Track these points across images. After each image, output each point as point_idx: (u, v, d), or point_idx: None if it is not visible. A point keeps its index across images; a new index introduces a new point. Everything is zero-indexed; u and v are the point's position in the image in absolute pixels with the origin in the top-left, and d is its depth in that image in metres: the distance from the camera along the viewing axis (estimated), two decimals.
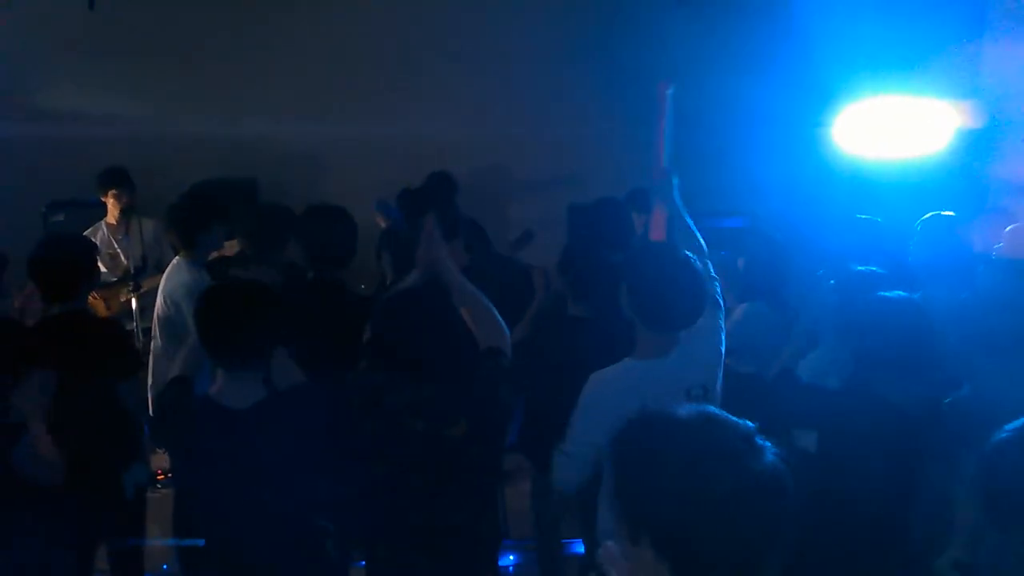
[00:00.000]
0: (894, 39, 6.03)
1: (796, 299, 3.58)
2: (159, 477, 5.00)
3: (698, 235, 3.21)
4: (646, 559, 1.47)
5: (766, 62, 6.40)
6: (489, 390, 2.75)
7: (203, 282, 4.36)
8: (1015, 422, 1.98)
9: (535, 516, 4.05)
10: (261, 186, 6.80)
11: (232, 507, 2.72)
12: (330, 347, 3.33)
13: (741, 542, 1.44)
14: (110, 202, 5.85)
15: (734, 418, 1.55)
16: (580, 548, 4.11)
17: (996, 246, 4.35)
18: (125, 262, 5.74)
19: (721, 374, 3.01)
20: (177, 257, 4.49)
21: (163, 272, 4.65)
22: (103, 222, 5.87)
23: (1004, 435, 1.98)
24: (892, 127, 6.21)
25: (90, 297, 4.33)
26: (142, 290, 5.31)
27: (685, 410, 1.55)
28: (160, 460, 4.85)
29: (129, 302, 5.34)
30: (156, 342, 4.50)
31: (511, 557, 4.54)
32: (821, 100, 6.28)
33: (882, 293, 2.98)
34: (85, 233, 5.43)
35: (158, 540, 2.83)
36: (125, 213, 5.83)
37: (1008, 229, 4.38)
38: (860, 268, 3.52)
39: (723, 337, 3.03)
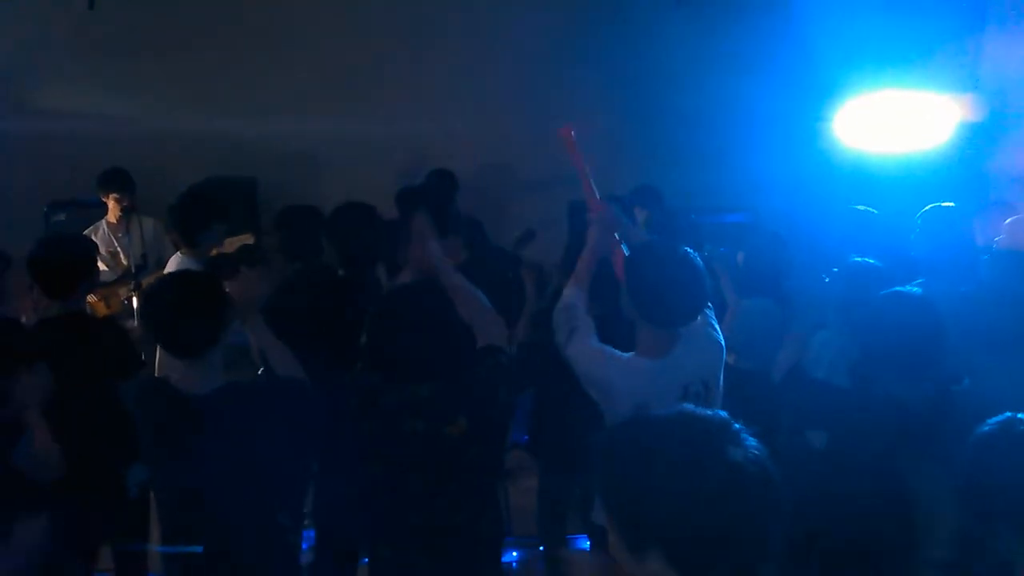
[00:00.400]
0: (895, 33, 6.02)
1: (796, 293, 3.57)
2: None
3: (645, 235, 3.22)
4: (653, 570, 1.47)
5: (766, 58, 6.40)
6: (488, 388, 2.75)
7: None
8: (999, 416, 1.96)
9: (540, 514, 4.04)
10: (261, 185, 6.81)
11: (191, 493, 2.77)
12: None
13: (736, 532, 1.43)
14: (111, 203, 5.86)
15: (708, 411, 1.55)
16: (586, 544, 4.11)
17: (997, 239, 4.35)
18: (125, 261, 5.74)
19: (722, 370, 3.01)
20: (178, 254, 4.50)
21: (163, 270, 4.65)
22: (103, 221, 5.87)
23: (988, 428, 1.96)
24: (893, 121, 6.21)
25: (90, 296, 4.33)
26: (142, 288, 5.31)
27: (659, 413, 1.56)
28: None
29: (129, 301, 5.34)
30: None
31: (514, 554, 4.55)
32: (822, 95, 6.27)
33: (892, 289, 2.97)
34: (85, 232, 5.43)
35: (153, 546, 2.83)
36: (125, 213, 5.84)
37: (1008, 222, 4.37)
38: (857, 260, 3.52)
39: (720, 332, 3.03)
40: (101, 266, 4.84)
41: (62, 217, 6.32)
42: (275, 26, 6.83)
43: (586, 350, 2.88)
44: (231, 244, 5.01)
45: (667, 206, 5.38)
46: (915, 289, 2.96)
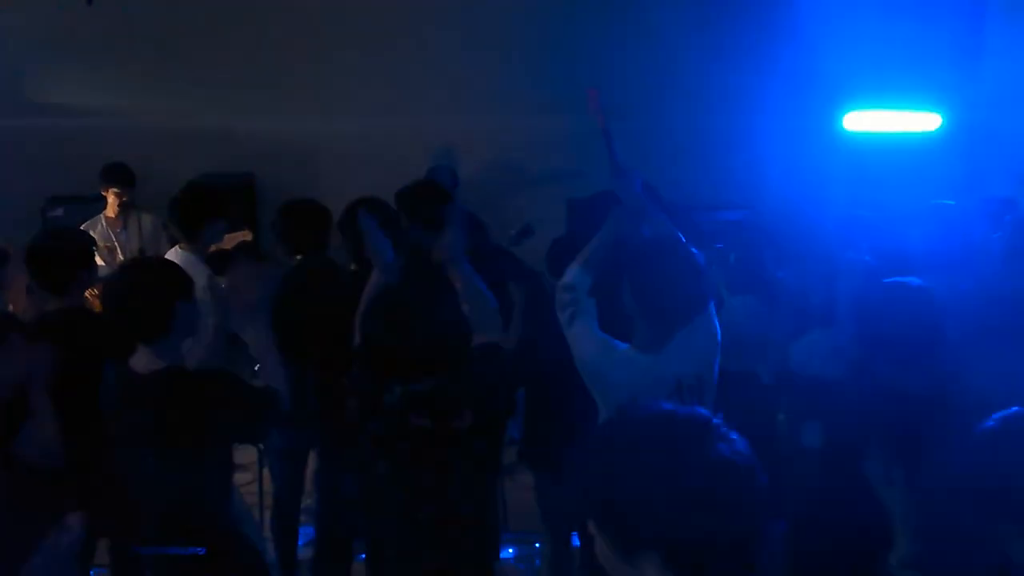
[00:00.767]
0: (896, 29, 6.02)
1: (783, 292, 3.57)
2: None
3: (672, 227, 3.19)
4: (647, 574, 1.46)
5: (767, 55, 6.40)
6: (490, 381, 2.76)
7: (203, 275, 4.37)
8: (1002, 411, 1.94)
9: (542, 515, 4.02)
10: (259, 181, 6.81)
11: (131, 470, 2.86)
12: None
13: (727, 530, 1.42)
14: (110, 198, 5.86)
15: (688, 408, 1.55)
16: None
17: (996, 236, 4.34)
18: (122, 256, 5.73)
19: (717, 364, 3.01)
20: (176, 249, 4.50)
21: None
22: (102, 216, 5.87)
23: (991, 424, 1.94)
24: (893, 119, 6.21)
25: (87, 292, 4.33)
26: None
27: (640, 413, 1.55)
28: None
29: None
30: None
31: (511, 550, 4.55)
32: (823, 92, 6.27)
33: (892, 279, 2.97)
34: (83, 227, 5.44)
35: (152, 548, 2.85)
36: (124, 207, 5.85)
37: (1008, 219, 4.36)
38: (850, 256, 3.53)
39: (718, 327, 3.03)
40: (98, 261, 4.83)
41: (60, 212, 6.34)
42: (274, 22, 6.83)
43: (586, 336, 2.89)
44: (230, 240, 5.01)
45: (665, 203, 5.36)
46: (915, 280, 2.96)
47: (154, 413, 2.77)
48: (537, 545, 4.17)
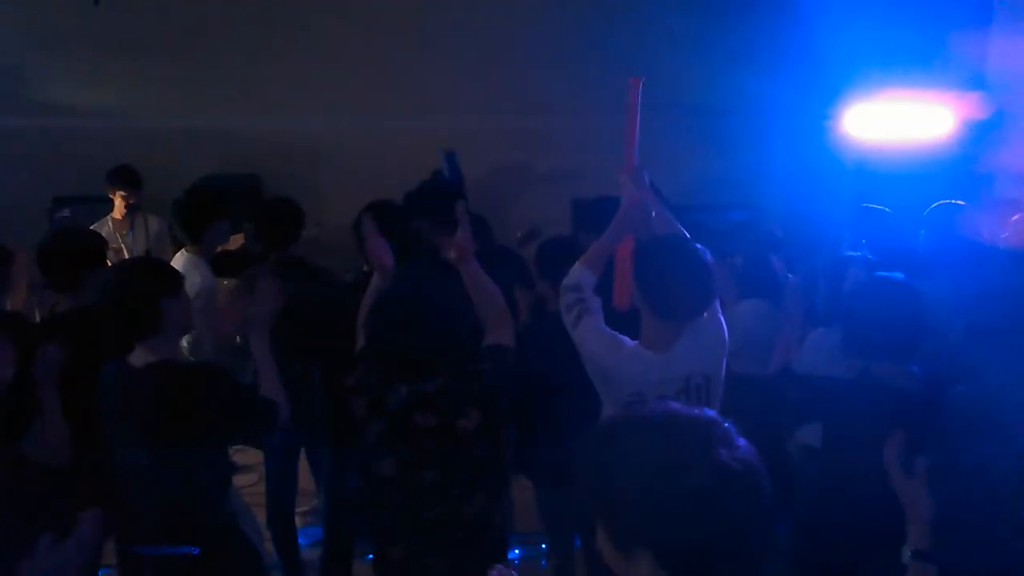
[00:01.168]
0: (900, 29, 6.01)
1: (788, 292, 3.57)
2: None
3: (679, 226, 3.19)
4: (642, 572, 1.46)
5: (772, 54, 6.40)
6: (495, 381, 2.75)
7: (208, 277, 4.38)
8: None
9: (543, 520, 4.02)
10: (265, 182, 6.82)
11: (129, 465, 2.88)
12: None
13: (728, 533, 1.41)
14: (117, 200, 5.88)
15: (696, 410, 1.53)
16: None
17: (1002, 236, 4.34)
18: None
19: (724, 363, 3.01)
20: (182, 252, 4.50)
21: None
22: (108, 217, 5.89)
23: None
24: (898, 118, 6.20)
25: None
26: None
27: (646, 411, 1.54)
28: None
29: None
30: None
31: (516, 551, 4.54)
32: (827, 91, 6.26)
33: (875, 274, 2.98)
34: (91, 228, 5.45)
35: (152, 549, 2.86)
36: (131, 209, 5.87)
37: (1014, 219, 4.36)
38: (850, 253, 3.53)
39: (724, 326, 3.03)
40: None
41: (66, 213, 6.35)
42: (279, 23, 6.84)
43: (595, 334, 2.88)
44: (235, 242, 5.02)
45: (670, 204, 5.36)
46: (898, 275, 2.97)
47: (148, 406, 2.79)
48: (543, 547, 4.17)
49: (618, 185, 3.22)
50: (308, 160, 7.05)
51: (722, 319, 3.03)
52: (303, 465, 4.46)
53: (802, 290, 3.41)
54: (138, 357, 2.88)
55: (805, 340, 3.44)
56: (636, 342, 2.89)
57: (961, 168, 6.06)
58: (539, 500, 3.92)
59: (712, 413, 1.52)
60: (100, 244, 3.89)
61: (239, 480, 3.47)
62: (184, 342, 3.62)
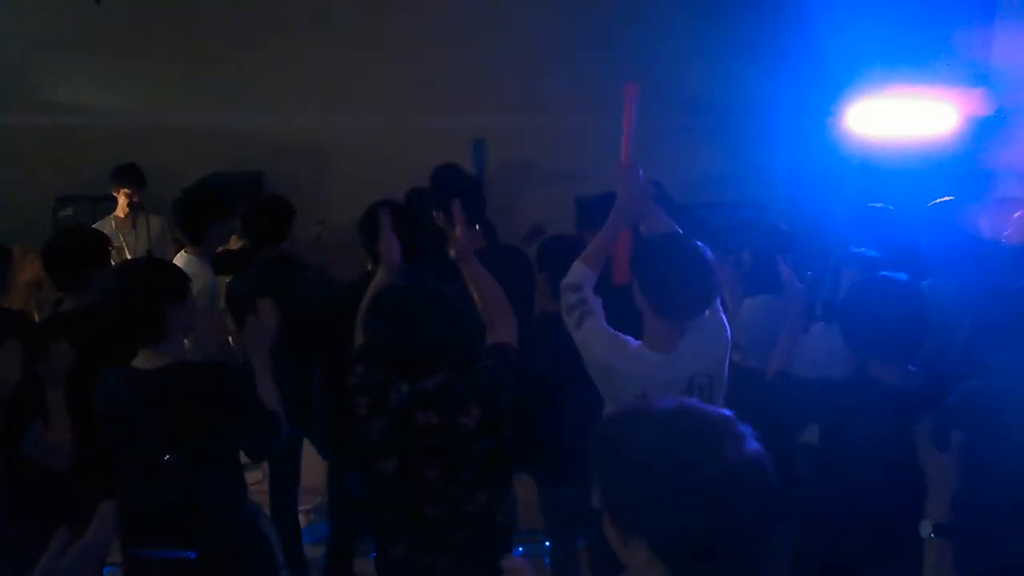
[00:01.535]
0: (904, 26, 6.01)
1: (791, 289, 3.56)
2: None
3: (675, 226, 3.18)
4: (639, 560, 1.47)
5: (775, 51, 6.39)
6: (496, 378, 2.75)
7: (210, 277, 4.38)
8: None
9: (546, 517, 4.02)
10: (268, 180, 6.82)
11: (140, 468, 2.85)
12: None
13: (730, 532, 1.41)
14: (120, 198, 5.89)
15: (710, 407, 1.53)
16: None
17: (1005, 234, 4.34)
18: (129, 258, 5.75)
19: (727, 362, 3.01)
20: (183, 252, 4.50)
21: None
22: (111, 217, 5.90)
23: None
24: (901, 115, 6.20)
25: None
26: None
27: (660, 404, 1.54)
28: None
29: None
30: None
31: (519, 548, 4.54)
32: (830, 88, 6.26)
33: (875, 274, 2.98)
34: (93, 227, 5.45)
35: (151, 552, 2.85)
36: (133, 209, 5.88)
37: (1016, 216, 4.36)
38: (854, 251, 3.52)
39: (727, 325, 3.03)
40: None
41: (70, 212, 6.36)
42: (282, 20, 6.84)
43: (598, 335, 2.88)
44: (236, 242, 5.02)
45: (673, 201, 5.36)
46: (899, 274, 2.96)
47: (164, 409, 2.77)
48: (547, 544, 4.17)
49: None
50: (312, 158, 7.05)
51: (724, 318, 3.03)
52: (305, 465, 4.47)
53: (805, 290, 3.39)
54: (142, 360, 2.86)
55: (806, 336, 3.43)
56: (640, 343, 2.89)
57: (964, 165, 6.05)
58: (541, 497, 3.92)
59: (729, 412, 1.51)
60: (104, 244, 3.89)
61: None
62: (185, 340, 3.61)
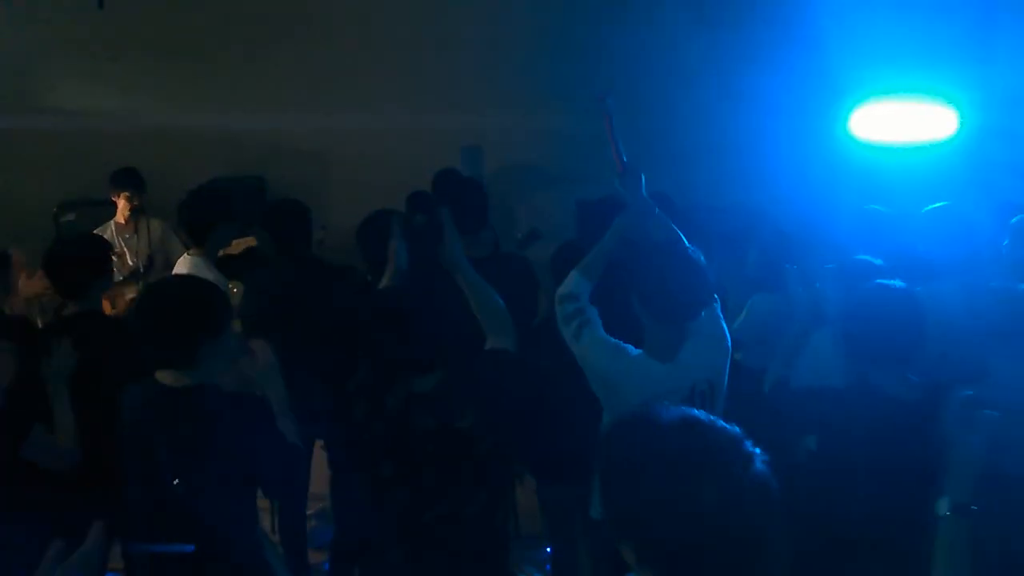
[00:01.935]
0: (905, 30, 6.01)
1: (795, 294, 3.56)
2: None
3: (674, 227, 3.19)
4: (629, 560, 1.47)
5: (776, 54, 6.39)
6: (493, 382, 2.77)
7: (218, 279, 4.39)
8: None
9: (545, 518, 4.02)
10: (270, 184, 6.83)
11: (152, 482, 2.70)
12: None
13: (725, 553, 1.40)
14: (121, 202, 5.89)
15: (720, 422, 1.50)
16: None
17: (1004, 243, 4.33)
18: (131, 262, 5.77)
19: (728, 370, 3.01)
20: (187, 255, 4.52)
21: (171, 270, 4.68)
22: (112, 222, 5.91)
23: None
24: (901, 119, 6.20)
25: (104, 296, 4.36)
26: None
27: (669, 414, 1.51)
28: None
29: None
30: None
31: (522, 554, 4.54)
32: (831, 93, 6.26)
33: (872, 282, 2.98)
34: (94, 232, 5.46)
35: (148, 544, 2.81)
36: (134, 213, 5.88)
37: (1014, 221, 4.35)
38: (857, 257, 3.51)
39: (727, 331, 3.03)
40: None
41: (72, 217, 6.37)
42: (284, 24, 6.85)
43: (598, 346, 2.89)
44: (237, 246, 5.04)
45: (675, 205, 5.36)
46: (897, 282, 2.96)
47: (176, 428, 2.65)
48: (548, 550, 4.17)
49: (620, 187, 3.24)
50: (314, 162, 7.06)
51: (725, 326, 3.04)
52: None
53: (812, 298, 3.38)
54: (169, 376, 2.71)
55: (807, 344, 3.43)
56: (641, 351, 2.90)
57: (965, 169, 6.05)
58: (543, 502, 3.92)
59: (737, 430, 1.48)
60: (106, 249, 3.92)
61: None
62: None
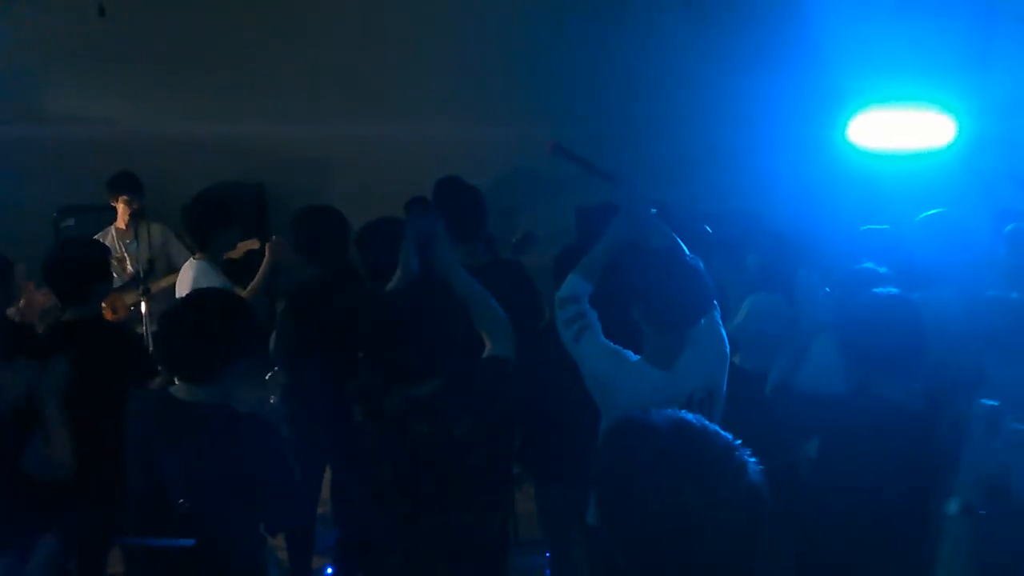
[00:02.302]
0: (904, 37, 6.03)
1: (798, 300, 3.57)
2: None
3: (673, 235, 3.20)
4: (623, 568, 1.48)
5: (775, 60, 6.41)
6: (491, 389, 2.77)
7: (221, 282, 4.41)
8: None
9: (543, 522, 4.03)
10: (269, 190, 6.84)
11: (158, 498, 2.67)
12: None
13: (715, 560, 1.40)
14: (120, 207, 5.90)
15: (713, 428, 1.50)
16: None
17: (1000, 247, 4.35)
18: (132, 267, 5.77)
19: (726, 376, 3.02)
20: (192, 259, 4.54)
21: (173, 275, 4.70)
22: (112, 227, 5.91)
23: None
24: (900, 127, 6.22)
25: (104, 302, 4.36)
26: (151, 293, 5.34)
27: (662, 420, 1.51)
28: None
29: (137, 306, 5.36)
30: None
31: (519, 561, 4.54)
32: (831, 99, 6.28)
33: (873, 290, 2.99)
34: (94, 238, 5.47)
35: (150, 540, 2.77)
36: (134, 218, 5.88)
37: (1008, 230, 4.36)
38: (861, 265, 3.53)
39: (726, 338, 3.04)
40: None
41: (71, 222, 6.37)
42: (284, 31, 6.86)
43: (598, 350, 2.89)
44: (239, 249, 5.05)
45: (674, 213, 5.37)
46: (894, 290, 2.98)
47: (184, 445, 2.62)
48: (547, 555, 4.17)
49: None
50: (313, 170, 7.06)
51: (723, 332, 3.05)
52: None
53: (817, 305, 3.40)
54: (182, 390, 2.68)
55: (808, 350, 3.45)
56: (639, 357, 2.91)
57: (963, 177, 6.07)
58: (541, 508, 3.93)
59: (730, 438, 1.48)
60: (106, 255, 3.92)
61: None
62: None
